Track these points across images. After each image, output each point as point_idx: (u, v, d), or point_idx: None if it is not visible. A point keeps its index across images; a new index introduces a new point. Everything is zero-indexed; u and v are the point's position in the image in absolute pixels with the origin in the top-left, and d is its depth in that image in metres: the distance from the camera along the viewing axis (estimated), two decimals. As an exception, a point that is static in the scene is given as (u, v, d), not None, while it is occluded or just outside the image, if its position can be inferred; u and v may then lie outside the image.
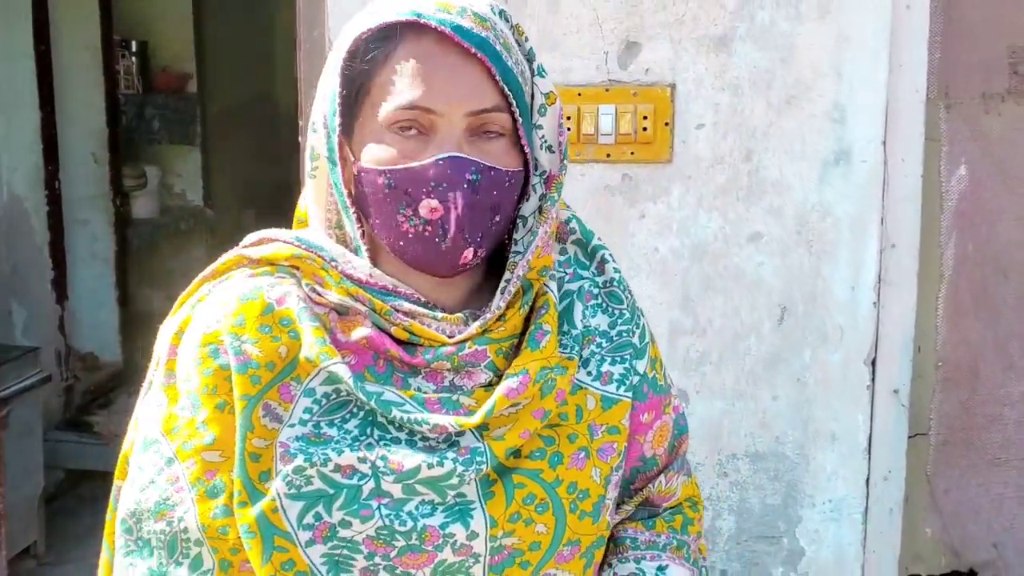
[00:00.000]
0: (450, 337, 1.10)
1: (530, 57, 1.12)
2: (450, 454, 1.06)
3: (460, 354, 1.09)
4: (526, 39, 1.12)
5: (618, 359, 1.16)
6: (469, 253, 1.07)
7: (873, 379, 2.19)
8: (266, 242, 1.14)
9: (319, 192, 1.14)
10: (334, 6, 2.15)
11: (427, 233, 1.06)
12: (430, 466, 1.05)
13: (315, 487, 1.04)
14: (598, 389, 1.14)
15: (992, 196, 2.16)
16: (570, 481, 1.11)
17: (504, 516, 1.07)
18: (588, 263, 1.20)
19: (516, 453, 1.09)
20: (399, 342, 1.09)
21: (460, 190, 1.04)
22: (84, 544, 3.72)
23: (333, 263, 1.10)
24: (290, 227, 1.19)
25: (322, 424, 1.06)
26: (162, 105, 5.14)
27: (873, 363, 2.19)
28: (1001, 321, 2.19)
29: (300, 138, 2.27)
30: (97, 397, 4.50)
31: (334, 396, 1.06)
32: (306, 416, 1.06)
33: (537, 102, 1.11)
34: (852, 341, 2.18)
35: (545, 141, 1.12)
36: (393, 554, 1.05)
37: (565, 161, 1.13)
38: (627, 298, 1.20)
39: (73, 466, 4.18)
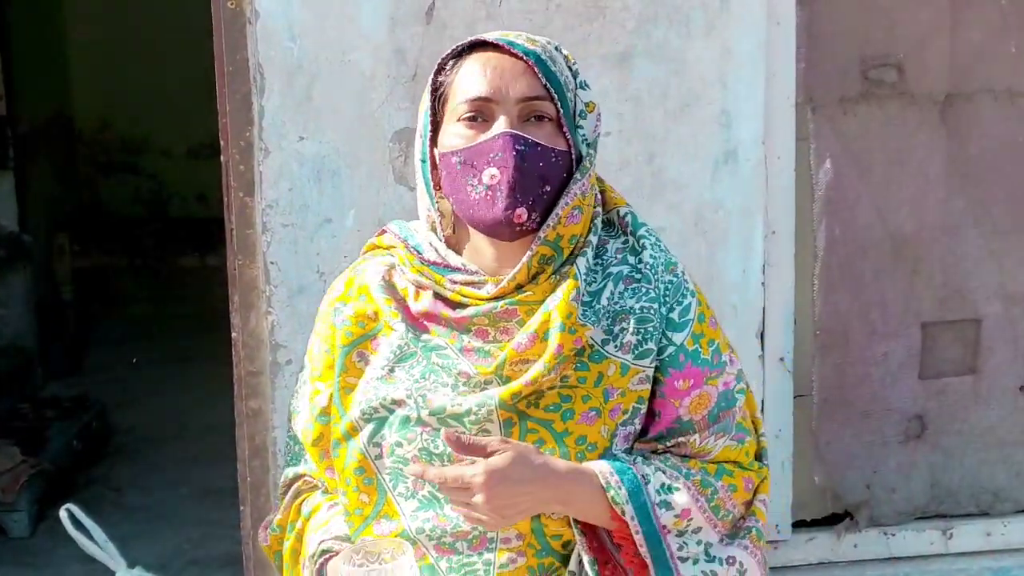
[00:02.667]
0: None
1: (575, 73, 1.45)
2: (470, 398, 1.37)
3: (494, 311, 1.39)
4: (574, 63, 1.46)
5: (639, 331, 1.40)
6: (523, 212, 1.36)
7: (763, 349, 2.49)
8: (383, 233, 1.56)
9: (421, 192, 1.48)
10: (261, 29, 2.24)
11: (488, 197, 1.36)
12: (453, 404, 1.38)
13: (379, 415, 1.42)
14: (618, 357, 1.40)
15: (851, 186, 2.50)
16: (579, 434, 1.38)
17: None
18: (638, 250, 1.45)
19: (535, 403, 1.37)
20: (455, 305, 1.41)
21: (512, 158, 1.35)
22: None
23: (416, 248, 1.46)
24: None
25: (396, 369, 1.43)
26: (-29, 127, 4.91)
27: (762, 336, 2.49)
28: (864, 293, 2.53)
29: (223, 158, 2.34)
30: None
31: (405, 348, 1.43)
32: (383, 362, 1.44)
33: (579, 107, 1.43)
34: (744, 317, 2.46)
35: (585, 138, 1.43)
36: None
37: (592, 153, 1.44)
38: (661, 279, 1.42)
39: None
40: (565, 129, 1.39)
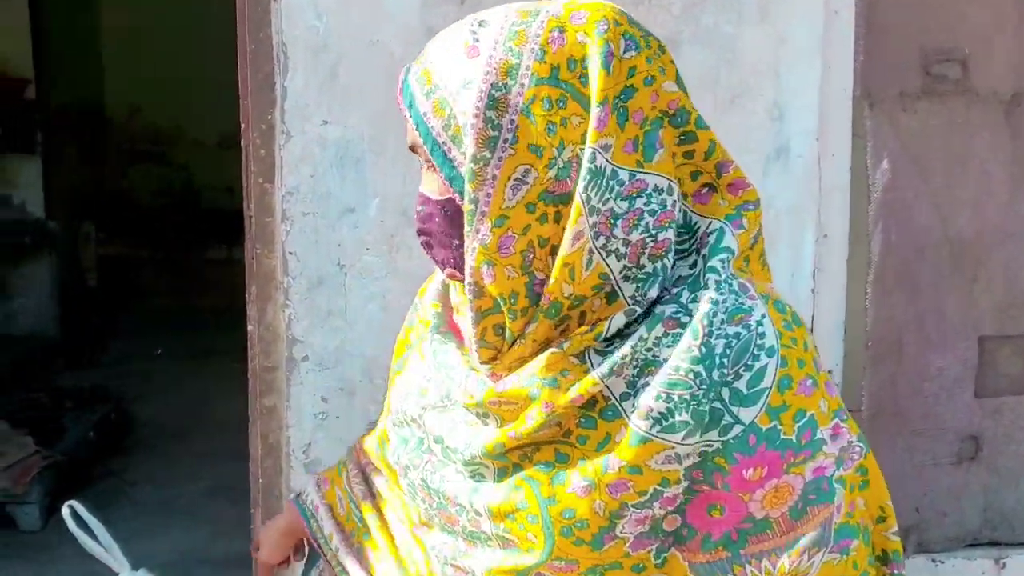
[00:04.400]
0: None
1: (460, 73, 1.08)
2: (465, 431, 1.17)
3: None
4: (467, 50, 1.09)
5: (666, 397, 1.05)
6: (450, 273, 1.17)
7: (810, 360, 2.34)
8: None
9: None
10: (286, 6, 2.11)
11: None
12: (450, 437, 1.19)
13: (403, 429, 1.27)
14: (632, 423, 1.07)
15: (909, 187, 2.34)
16: (567, 506, 1.09)
17: (500, 509, 1.13)
18: (702, 285, 1.09)
19: (529, 456, 1.12)
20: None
21: (416, 220, 1.18)
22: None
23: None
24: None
25: (428, 379, 1.23)
26: (1, 112, 4.84)
27: (809, 345, 2.33)
28: (920, 302, 2.38)
29: (243, 141, 2.22)
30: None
31: (435, 361, 1.23)
32: (421, 370, 1.26)
33: (460, 123, 1.08)
34: (791, 326, 2.31)
35: (465, 164, 1.08)
36: (435, 505, 1.21)
37: (488, 178, 1.07)
38: (717, 333, 1.06)
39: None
40: (434, 169, 1.12)
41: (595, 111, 1.05)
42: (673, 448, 1.05)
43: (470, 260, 1.08)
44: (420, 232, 1.17)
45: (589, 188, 1.04)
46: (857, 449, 1.11)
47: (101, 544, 2.40)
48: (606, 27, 1.07)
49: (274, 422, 2.28)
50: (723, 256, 1.09)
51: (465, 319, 1.19)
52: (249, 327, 2.27)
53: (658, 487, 1.07)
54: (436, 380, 1.21)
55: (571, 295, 1.07)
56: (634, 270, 1.07)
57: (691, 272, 1.10)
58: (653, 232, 1.07)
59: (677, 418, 1.05)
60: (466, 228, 1.08)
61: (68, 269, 5.56)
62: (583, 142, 1.05)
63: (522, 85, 1.06)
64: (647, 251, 1.07)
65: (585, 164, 1.05)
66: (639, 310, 1.07)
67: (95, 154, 6.55)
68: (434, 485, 1.20)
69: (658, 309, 1.08)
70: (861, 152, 2.32)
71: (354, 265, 2.18)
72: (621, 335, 1.08)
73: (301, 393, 2.22)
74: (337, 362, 2.21)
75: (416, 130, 1.11)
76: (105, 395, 4.65)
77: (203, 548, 3.65)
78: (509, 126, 1.05)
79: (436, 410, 1.21)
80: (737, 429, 1.05)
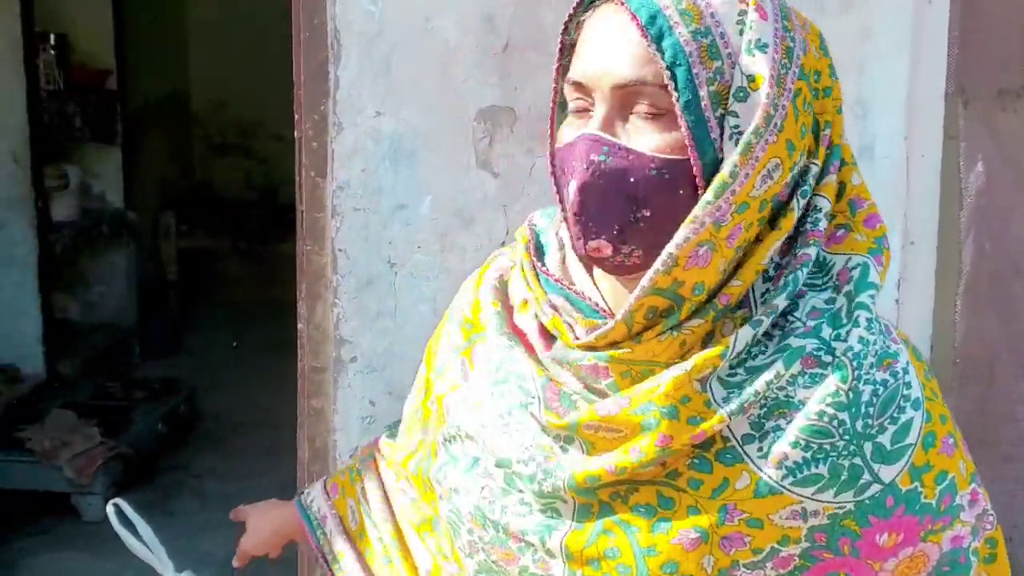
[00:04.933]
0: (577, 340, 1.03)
1: (746, 30, 0.95)
2: (540, 457, 1.01)
3: (580, 363, 1.01)
4: (755, 8, 0.96)
5: (806, 445, 0.93)
6: (603, 246, 0.97)
7: (891, 378, 2.17)
8: (529, 216, 1.16)
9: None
10: (341, -9, 2.03)
11: (573, 218, 0.98)
12: (519, 462, 1.02)
13: (453, 449, 1.11)
14: (759, 470, 0.95)
15: (1006, 193, 2.16)
16: (669, 559, 0.96)
17: (582, 555, 0.99)
18: (844, 321, 0.97)
19: (623, 496, 0.98)
20: (549, 335, 1.06)
21: (584, 172, 0.95)
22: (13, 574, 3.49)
23: (541, 248, 1.10)
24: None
25: (485, 391, 1.08)
26: (83, 102, 4.88)
27: (891, 362, 2.17)
28: (1016, 319, 2.19)
29: (296, 133, 2.14)
30: (23, 412, 4.23)
31: (502, 367, 1.07)
32: (479, 379, 1.10)
33: (735, 84, 0.94)
34: (871, 340, 2.15)
35: (739, 132, 0.94)
36: (487, 539, 1.05)
37: (739, 156, 0.93)
38: (865, 378, 0.95)
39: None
40: (682, 123, 0.94)
41: (825, 132, 1.00)
42: (801, 503, 0.94)
43: (688, 233, 0.93)
44: (590, 189, 0.95)
45: (800, 202, 0.97)
46: (990, 519, 1.02)
47: (146, 544, 2.35)
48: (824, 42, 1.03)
49: (322, 424, 2.20)
50: (871, 292, 0.97)
51: (526, 317, 1.07)
52: (299, 325, 2.20)
53: (776, 545, 0.96)
54: (498, 392, 1.06)
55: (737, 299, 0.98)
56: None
57: (829, 307, 0.97)
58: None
59: (813, 470, 0.94)
60: (707, 197, 0.93)
61: (147, 260, 5.59)
62: (810, 157, 0.98)
63: (794, 73, 0.96)
64: (791, 264, 0.99)
65: (811, 180, 0.98)
66: (766, 320, 0.96)
67: (179, 146, 6.60)
68: (493, 516, 1.04)
69: (796, 343, 0.95)
70: (953, 154, 2.15)
71: (405, 264, 2.09)
72: (743, 363, 0.96)
73: (349, 396, 2.14)
74: (386, 365, 2.12)
75: (668, 69, 0.93)
76: (175, 387, 4.65)
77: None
78: (782, 111, 0.95)
79: (498, 427, 1.05)
80: (875, 489, 0.94)
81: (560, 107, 1.04)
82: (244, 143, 7.07)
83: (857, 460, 0.94)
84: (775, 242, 0.96)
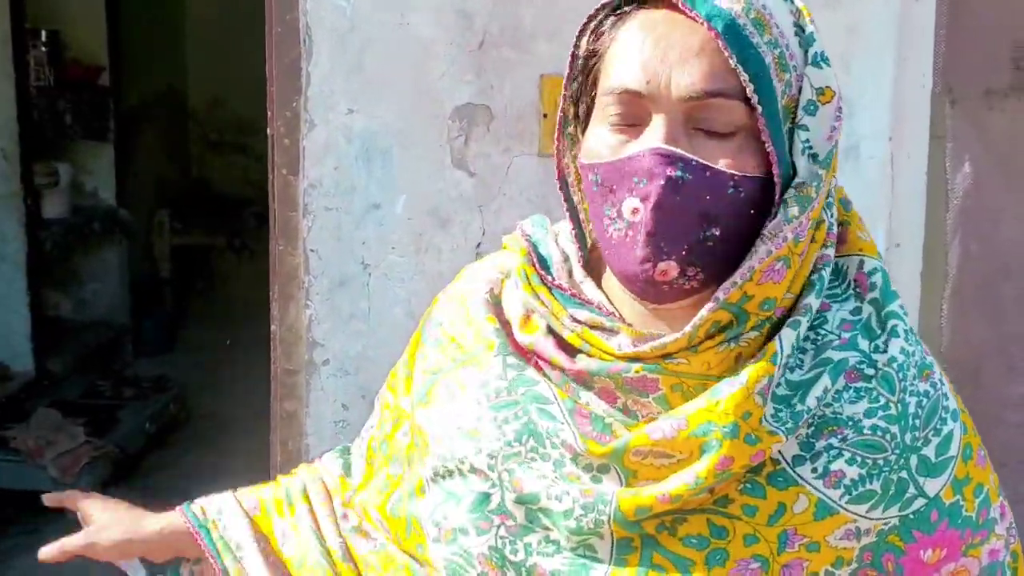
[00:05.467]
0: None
1: (807, 41, 0.93)
2: (575, 490, 0.93)
3: (625, 375, 0.94)
4: (810, 20, 0.94)
5: (861, 461, 0.91)
6: (670, 268, 0.90)
7: (876, 383, 2.13)
8: (518, 226, 1.09)
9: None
10: (313, -13, 1.99)
11: (627, 238, 0.91)
12: (550, 497, 0.94)
13: (451, 482, 1.01)
14: (816, 491, 0.91)
15: (994, 194, 2.12)
16: None
17: None
18: (878, 332, 0.95)
19: (671, 528, 0.92)
20: (572, 351, 0.98)
21: (660, 188, 0.88)
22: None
23: (544, 259, 1.03)
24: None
25: (483, 418, 1.00)
26: (74, 98, 4.84)
27: (876, 366, 2.13)
28: (1003, 322, 2.15)
29: (269, 130, 2.10)
30: (10, 410, 4.20)
31: (502, 391, 1.00)
32: (472, 407, 1.01)
33: (805, 97, 0.92)
34: (855, 344, 2.11)
35: (809, 146, 0.91)
36: None
37: (822, 173, 0.92)
38: (911, 390, 0.93)
39: (-14, 485, 3.89)
40: (765, 139, 0.90)
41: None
42: (855, 521, 0.92)
43: (772, 247, 0.90)
44: (665, 207, 0.89)
45: (828, 212, 0.97)
46: (1014, 531, 1.01)
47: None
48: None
49: (294, 429, 2.17)
50: (900, 301, 0.97)
51: (535, 334, 1.00)
52: (272, 327, 2.16)
53: (830, 568, 0.92)
54: (502, 418, 0.99)
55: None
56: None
57: (857, 317, 0.95)
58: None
59: (868, 486, 0.91)
60: (792, 212, 0.90)
61: (140, 257, 5.56)
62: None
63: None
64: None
65: (833, 190, 0.98)
66: (803, 320, 0.93)
67: (176, 143, 6.57)
68: (515, 558, 0.96)
69: (836, 356, 0.93)
70: (940, 154, 2.10)
71: (378, 265, 2.05)
72: (783, 375, 0.92)
73: (321, 399, 2.10)
74: (359, 368, 2.08)
75: (751, 82, 0.88)
76: (166, 386, 4.62)
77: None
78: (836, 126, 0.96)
79: (511, 459, 0.97)
80: (919, 503, 0.93)
81: (564, 119, 1.00)
82: (241, 140, 7.03)
83: (903, 474, 0.92)
84: (815, 254, 0.95)
